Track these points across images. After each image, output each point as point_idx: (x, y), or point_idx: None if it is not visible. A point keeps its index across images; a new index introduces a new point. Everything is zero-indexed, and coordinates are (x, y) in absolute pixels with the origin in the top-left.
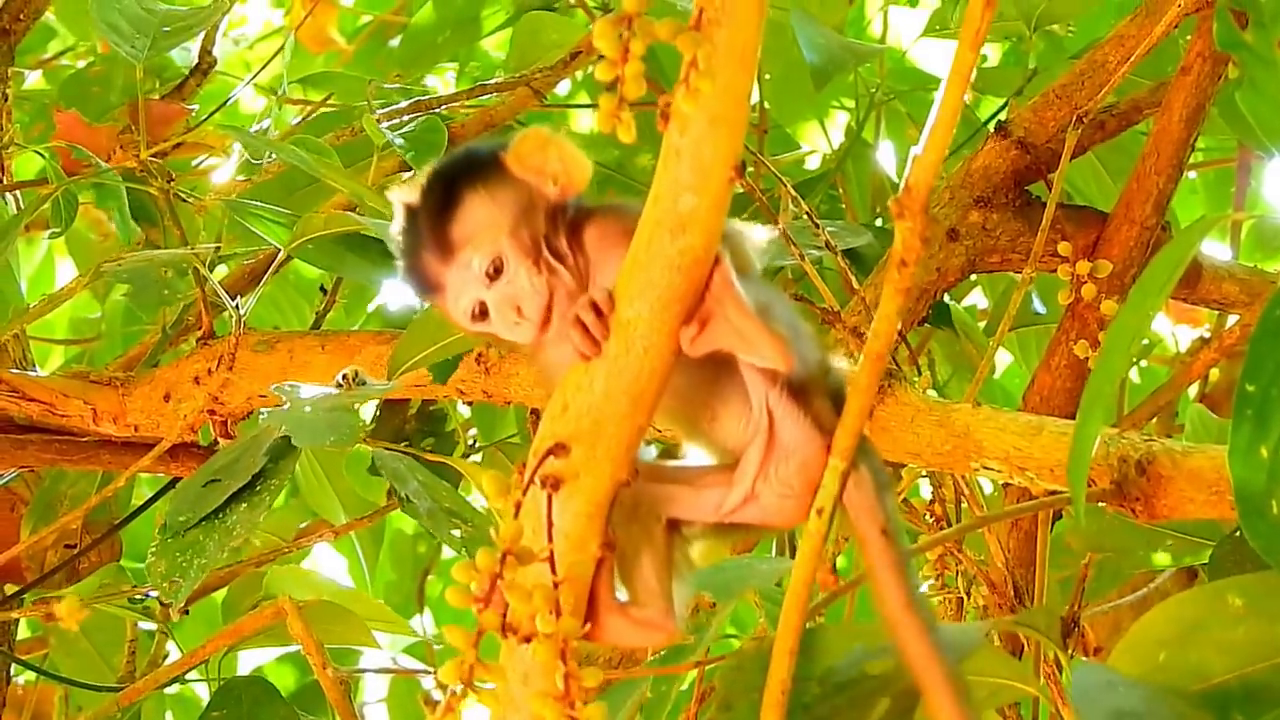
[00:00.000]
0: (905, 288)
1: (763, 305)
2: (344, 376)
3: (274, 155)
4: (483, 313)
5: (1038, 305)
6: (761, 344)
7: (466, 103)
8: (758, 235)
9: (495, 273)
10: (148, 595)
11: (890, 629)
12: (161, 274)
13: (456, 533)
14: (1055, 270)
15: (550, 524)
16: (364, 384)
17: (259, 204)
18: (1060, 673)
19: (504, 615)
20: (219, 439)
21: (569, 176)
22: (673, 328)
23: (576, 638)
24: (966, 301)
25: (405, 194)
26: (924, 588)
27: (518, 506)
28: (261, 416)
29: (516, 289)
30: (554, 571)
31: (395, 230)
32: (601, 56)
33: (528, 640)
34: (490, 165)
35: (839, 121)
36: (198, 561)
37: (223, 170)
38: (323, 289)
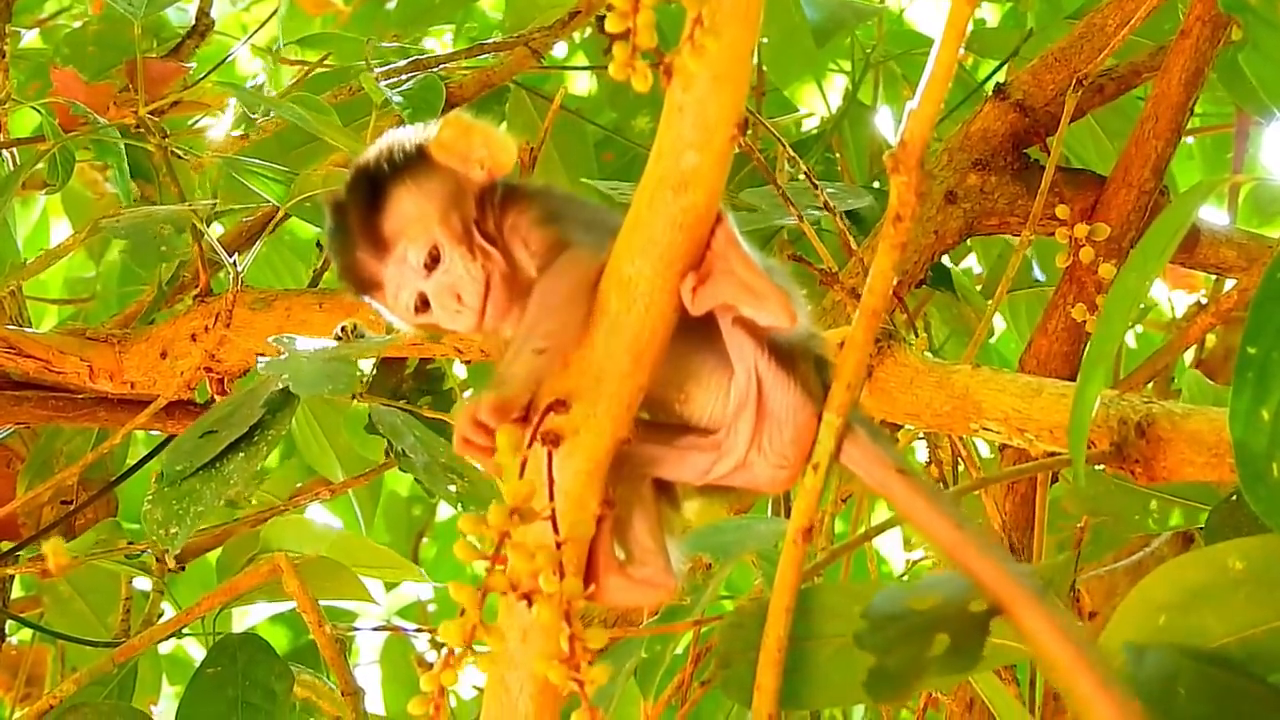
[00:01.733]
0: (900, 243)
1: (764, 267)
2: (342, 329)
3: (272, 113)
4: (424, 304)
5: (1036, 273)
6: (769, 299)
7: (464, 63)
8: None
9: (432, 263)
10: (144, 552)
11: (953, 560)
12: (159, 231)
13: (453, 488)
14: (1053, 233)
15: (551, 481)
16: (362, 337)
17: (256, 161)
18: None
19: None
20: (216, 396)
21: (494, 160)
22: (674, 285)
23: (580, 598)
24: (961, 266)
25: (331, 195)
26: (919, 552)
27: (524, 464)
28: (259, 367)
29: (454, 277)
30: (556, 530)
31: (327, 231)
32: (610, 8)
33: (529, 599)
34: (414, 157)
35: (836, 86)
36: (194, 510)
37: (219, 127)
38: (319, 245)
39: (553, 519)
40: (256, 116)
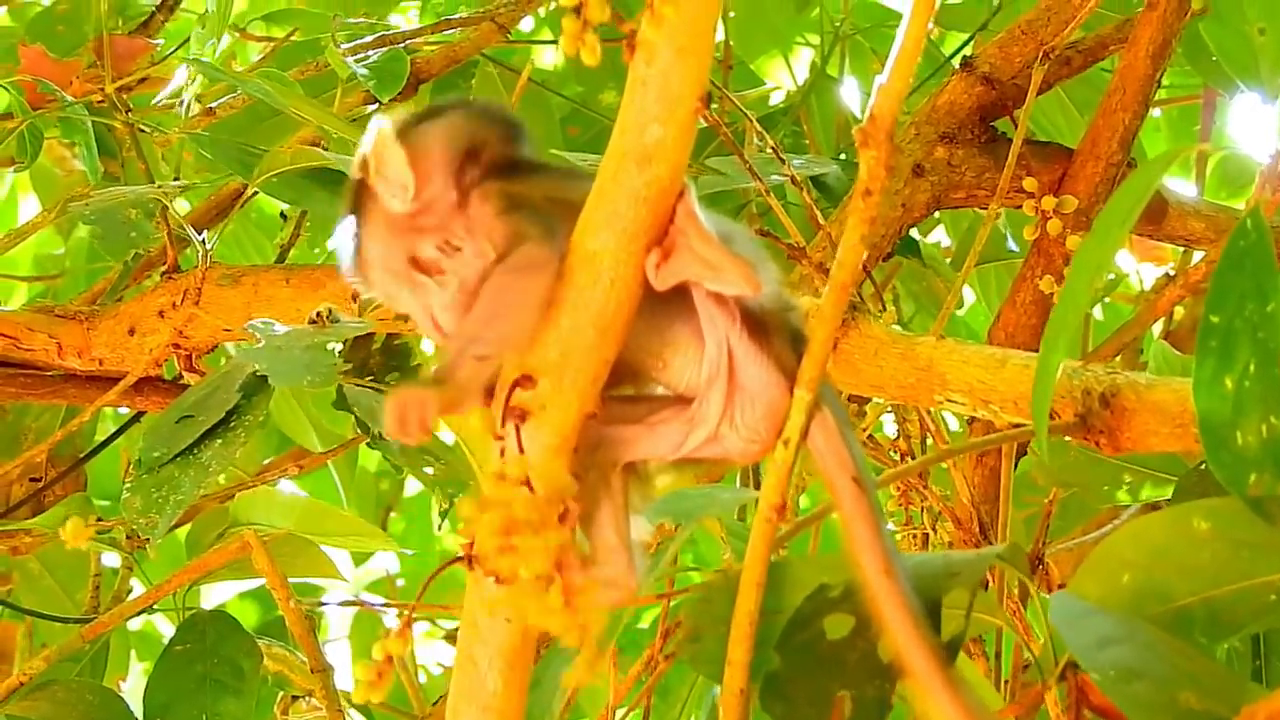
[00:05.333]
0: (870, 217)
1: (725, 235)
2: (318, 314)
3: (239, 89)
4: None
5: (1010, 244)
6: (729, 271)
7: (431, 38)
8: None
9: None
10: (113, 528)
11: (869, 594)
12: (128, 215)
13: (429, 470)
14: (1020, 206)
15: (521, 451)
16: (337, 321)
17: (223, 138)
18: (1025, 606)
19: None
20: (184, 373)
21: (411, 186)
22: (639, 260)
23: (569, 545)
24: (929, 239)
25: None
26: (889, 525)
27: (502, 448)
28: (230, 351)
29: (422, 305)
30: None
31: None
32: None
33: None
34: (364, 196)
35: (803, 59)
36: (174, 498)
37: (184, 97)
38: (283, 216)
39: (527, 484)
40: (212, 102)
